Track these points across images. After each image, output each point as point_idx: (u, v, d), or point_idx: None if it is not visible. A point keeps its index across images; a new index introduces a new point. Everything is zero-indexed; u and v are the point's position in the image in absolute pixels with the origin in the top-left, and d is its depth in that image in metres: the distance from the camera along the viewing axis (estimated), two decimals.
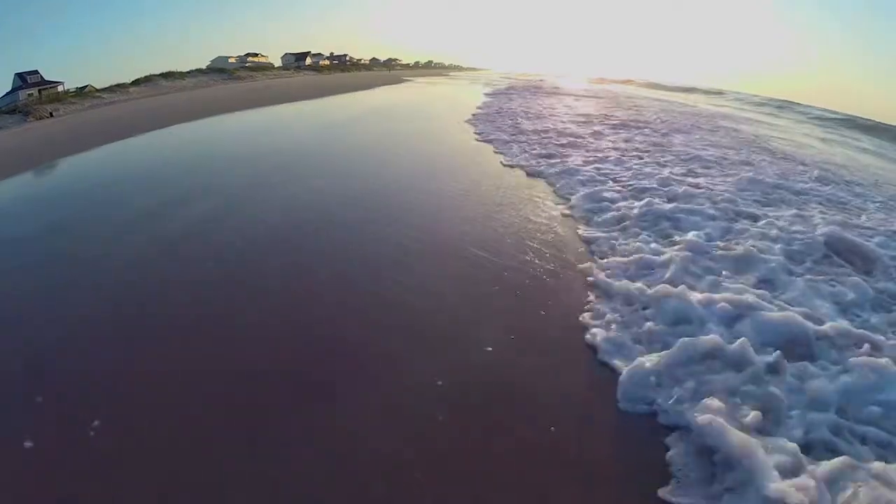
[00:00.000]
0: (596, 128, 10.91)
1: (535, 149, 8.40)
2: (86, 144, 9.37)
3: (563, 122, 11.18)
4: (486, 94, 18.79)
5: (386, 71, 69.48)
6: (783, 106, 25.88)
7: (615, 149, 8.53)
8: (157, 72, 38.97)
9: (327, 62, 69.22)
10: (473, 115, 12.30)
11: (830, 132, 17.36)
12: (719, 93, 37.29)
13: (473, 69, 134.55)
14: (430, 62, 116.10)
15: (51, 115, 27.17)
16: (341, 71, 64.60)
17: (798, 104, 40.44)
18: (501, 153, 8.05)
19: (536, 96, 17.93)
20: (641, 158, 7.80)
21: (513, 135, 9.49)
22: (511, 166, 7.25)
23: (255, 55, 57.01)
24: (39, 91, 31.42)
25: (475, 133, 9.54)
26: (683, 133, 10.09)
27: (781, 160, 8.38)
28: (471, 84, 29.06)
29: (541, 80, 35.50)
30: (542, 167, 7.11)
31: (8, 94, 31.08)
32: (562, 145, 8.77)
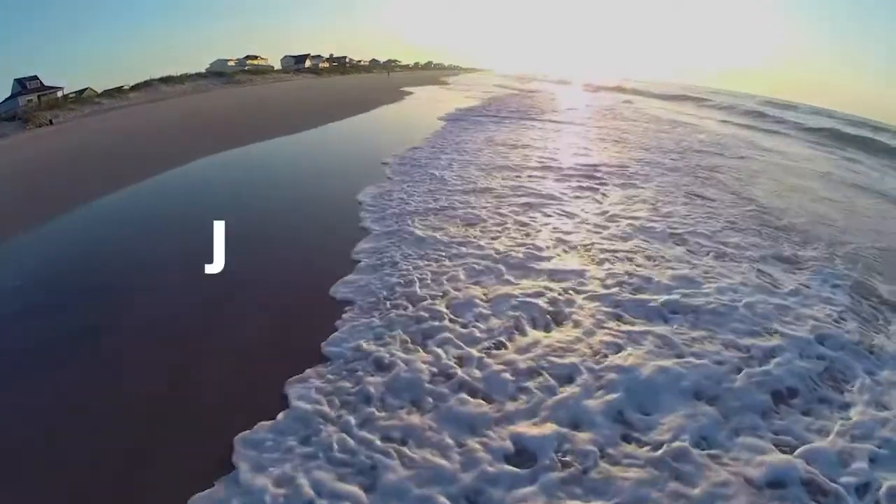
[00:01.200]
0: (525, 180, 8.12)
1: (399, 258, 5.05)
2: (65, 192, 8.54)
3: (482, 188, 7.79)
4: (442, 119, 15.70)
5: (385, 74, 69.44)
6: (780, 119, 25.16)
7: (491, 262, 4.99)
8: (158, 72, 39.15)
9: (326, 64, 69.23)
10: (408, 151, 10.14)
11: (842, 158, 14.60)
12: (711, 99, 36.42)
13: (474, 69, 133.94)
14: (430, 63, 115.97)
15: (50, 122, 27.22)
16: (340, 73, 64.61)
17: (796, 107, 39.71)
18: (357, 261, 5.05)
19: (500, 124, 15.16)
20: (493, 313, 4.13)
21: (398, 218, 6.35)
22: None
23: (255, 58, 57.08)
24: (39, 97, 31.46)
25: (370, 206, 6.78)
26: (643, 210, 6.99)
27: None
28: (464, 97, 27.71)
29: (533, 92, 34.09)
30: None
31: (7, 99, 31.13)
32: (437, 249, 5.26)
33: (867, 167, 13.39)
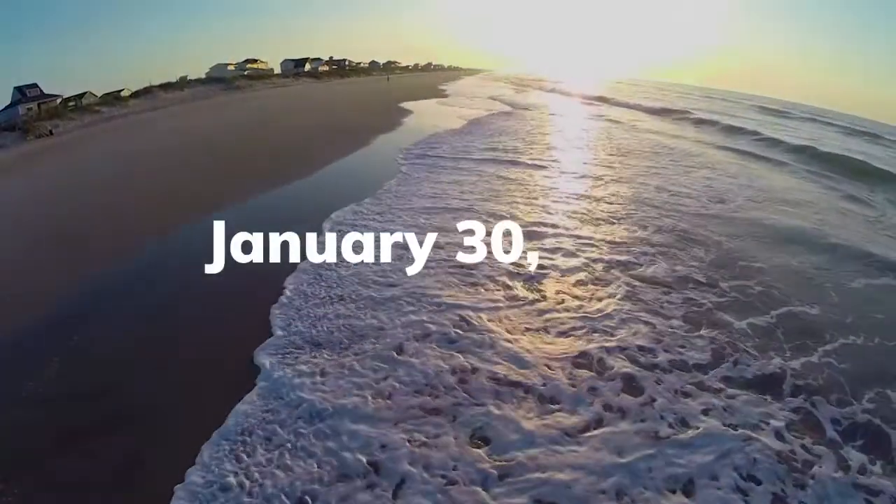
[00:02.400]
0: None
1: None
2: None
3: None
4: (404, 161, 14.13)
5: (385, 78, 69.35)
6: (776, 140, 24.62)
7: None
8: (158, 72, 39.39)
9: (326, 67, 69.14)
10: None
11: (841, 197, 13.15)
12: (704, 110, 35.24)
13: (474, 70, 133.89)
14: (430, 64, 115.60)
15: (50, 132, 27.24)
16: (340, 77, 64.62)
17: (789, 114, 39.06)
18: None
19: (465, 170, 13.23)
20: None
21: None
22: None
23: (255, 61, 56.92)
24: (39, 105, 31.42)
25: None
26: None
27: None
28: (455, 117, 26.25)
29: (525, 109, 32.81)
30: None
31: (7, 108, 31.06)
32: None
33: (867, 207, 12.76)
